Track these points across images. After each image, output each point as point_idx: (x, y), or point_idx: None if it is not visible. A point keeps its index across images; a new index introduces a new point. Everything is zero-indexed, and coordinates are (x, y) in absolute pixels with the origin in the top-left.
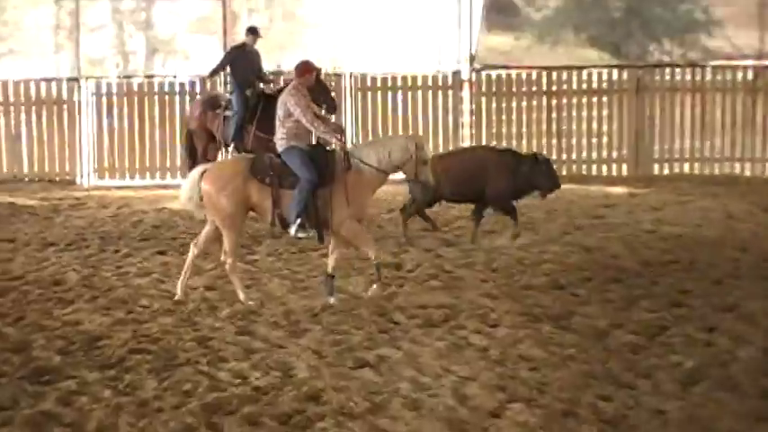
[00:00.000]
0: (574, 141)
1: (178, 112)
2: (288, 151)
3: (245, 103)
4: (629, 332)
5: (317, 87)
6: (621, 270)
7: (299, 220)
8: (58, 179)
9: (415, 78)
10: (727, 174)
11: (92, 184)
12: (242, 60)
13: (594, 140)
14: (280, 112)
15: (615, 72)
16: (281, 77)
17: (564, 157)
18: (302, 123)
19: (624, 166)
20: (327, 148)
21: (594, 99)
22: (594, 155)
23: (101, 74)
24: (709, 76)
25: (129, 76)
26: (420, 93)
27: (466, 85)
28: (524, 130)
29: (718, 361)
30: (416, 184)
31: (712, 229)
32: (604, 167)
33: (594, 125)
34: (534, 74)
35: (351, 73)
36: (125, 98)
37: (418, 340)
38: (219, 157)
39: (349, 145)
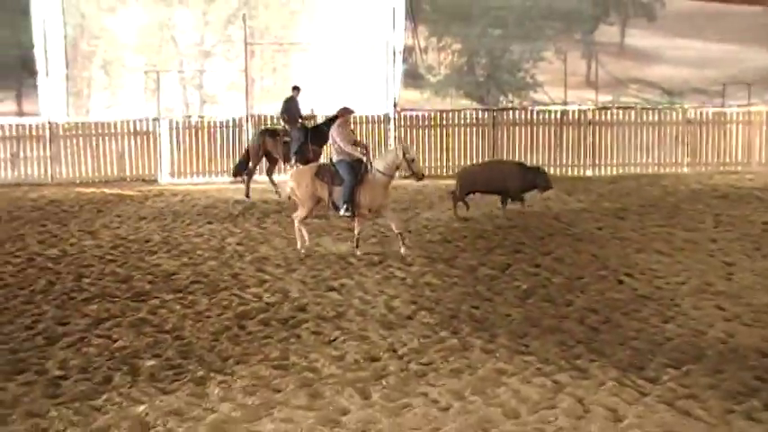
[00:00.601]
0: (456, 155)
1: (219, 139)
2: (339, 162)
3: (301, 132)
4: (489, 268)
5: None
6: (484, 231)
7: (345, 205)
8: (146, 179)
9: (363, 117)
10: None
11: (166, 181)
12: (293, 106)
13: (468, 154)
14: (331, 138)
15: (480, 113)
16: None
17: (451, 164)
18: (341, 146)
19: None
20: (363, 160)
21: (468, 130)
22: (467, 161)
23: (173, 116)
24: (535, 116)
25: (188, 116)
26: (365, 126)
27: (392, 121)
28: (428, 148)
29: (541, 284)
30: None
31: (537, 206)
32: None
33: (468, 144)
34: (433, 114)
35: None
36: (187, 130)
37: (364, 274)
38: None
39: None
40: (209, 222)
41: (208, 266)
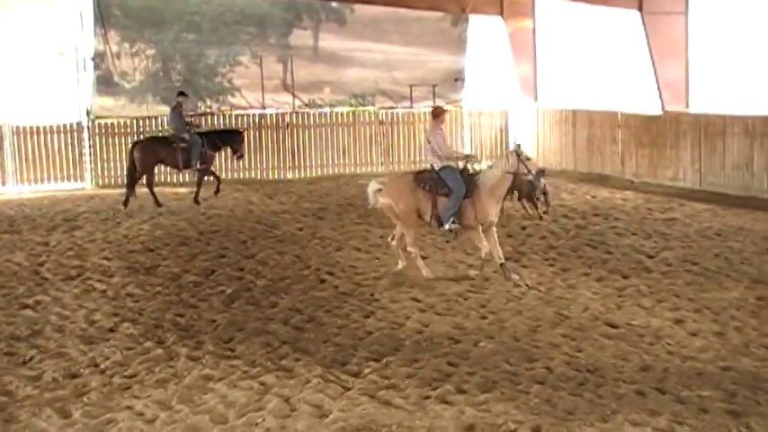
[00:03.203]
0: None
1: None
2: (443, 169)
3: (198, 138)
4: (193, 275)
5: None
6: (187, 237)
7: (451, 219)
8: None
9: (53, 126)
10: (248, 178)
11: None
12: (181, 113)
13: None
14: (429, 142)
15: None
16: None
17: None
18: (443, 151)
19: (186, 176)
20: (471, 170)
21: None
22: (168, 169)
23: None
24: (234, 121)
25: None
26: (62, 135)
27: (86, 130)
28: (124, 156)
29: (246, 288)
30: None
31: (239, 210)
32: (175, 176)
33: None
34: (128, 121)
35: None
36: None
37: (61, 289)
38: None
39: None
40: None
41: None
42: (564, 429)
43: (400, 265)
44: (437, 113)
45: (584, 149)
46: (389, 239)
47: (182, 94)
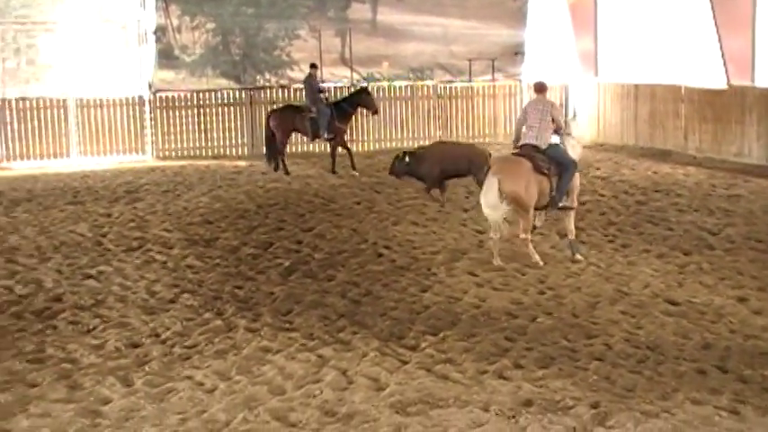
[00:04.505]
0: (215, 135)
1: None
2: (553, 147)
3: (328, 108)
4: (252, 247)
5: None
6: (245, 210)
7: (565, 196)
8: None
9: (117, 99)
10: (306, 151)
11: None
12: (313, 83)
13: (227, 133)
14: (540, 115)
15: (238, 93)
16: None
17: (210, 145)
18: (558, 125)
19: (245, 149)
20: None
21: (226, 108)
22: (227, 142)
23: None
24: (292, 94)
25: None
26: (124, 108)
27: (147, 103)
28: (184, 128)
29: (303, 261)
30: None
31: (297, 183)
32: (234, 150)
33: (227, 124)
34: (189, 94)
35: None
36: None
37: (123, 260)
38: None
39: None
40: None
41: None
42: (623, 407)
43: (497, 261)
44: (543, 87)
45: (645, 124)
46: (493, 236)
47: (313, 66)
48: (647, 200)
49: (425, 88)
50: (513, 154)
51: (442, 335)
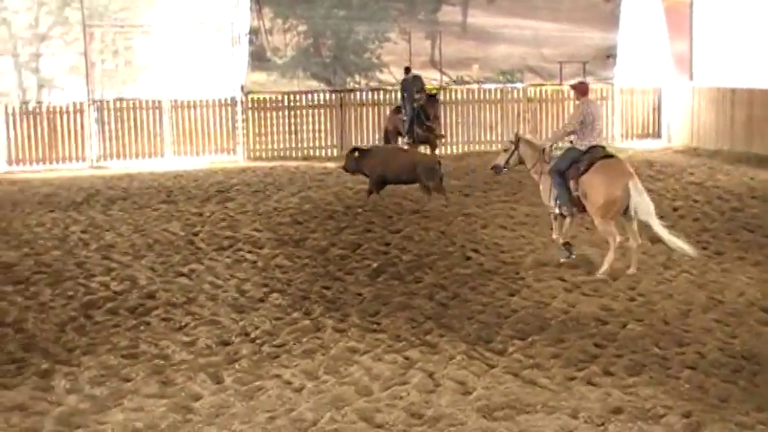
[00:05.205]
0: (305, 136)
1: (60, 124)
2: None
3: (412, 111)
4: (340, 248)
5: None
6: (334, 211)
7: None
8: None
9: (209, 101)
10: None
11: (4, 169)
12: (407, 85)
13: (317, 135)
14: (590, 119)
15: (328, 94)
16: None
17: (300, 146)
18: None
19: (335, 150)
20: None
21: (316, 110)
22: (317, 143)
23: (9, 101)
24: (383, 96)
25: (26, 102)
26: (216, 109)
27: (239, 104)
28: (274, 130)
29: (391, 262)
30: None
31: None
32: (323, 151)
33: (317, 125)
34: (280, 96)
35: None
36: (25, 116)
37: (214, 258)
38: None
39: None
40: (51, 211)
41: (51, 256)
42: (716, 417)
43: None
44: (588, 89)
45: (742, 129)
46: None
47: (408, 69)
48: (742, 206)
49: (515, 91)
50: (604, 157)
51: (530, 339)
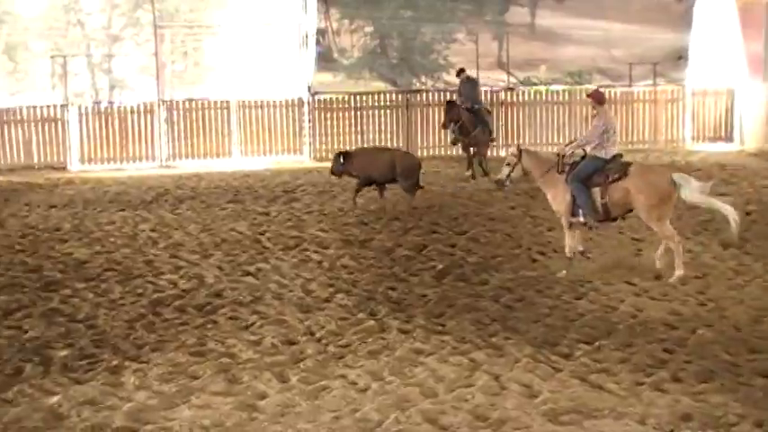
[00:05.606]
0: (371, 136)
1: (131, 124)
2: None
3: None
4: (405, 249)
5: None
6: (400, 212)
7: None
8: (55, 166)
9: (276, 101)
10: (461, 155)
11: (77, 168)
12: (463, 89)
13: (383, 136)
14: (612, 127)
15: (394, 95)
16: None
17: (365, 145)
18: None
19: None
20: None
21: (382, 111)
22: (383, 144)
23: (82, 102)
24: (450, 97)
25: (98, 102)
26: (283, 109)
27: (306, 105)
28: (340, 130)
29: (457, 264)
30: None
31: (451, 186)
32: None
33: (383, 126)
34: (346, 97)
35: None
36: (97, 116)
37: (280, 258)
38: None
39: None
40: (122, 209)
41: (121, 254)
42: None
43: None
44: (604, 98)
45: None
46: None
47: (462, 70)
48: None
49: (584, 93)
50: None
51: (597, 344)
